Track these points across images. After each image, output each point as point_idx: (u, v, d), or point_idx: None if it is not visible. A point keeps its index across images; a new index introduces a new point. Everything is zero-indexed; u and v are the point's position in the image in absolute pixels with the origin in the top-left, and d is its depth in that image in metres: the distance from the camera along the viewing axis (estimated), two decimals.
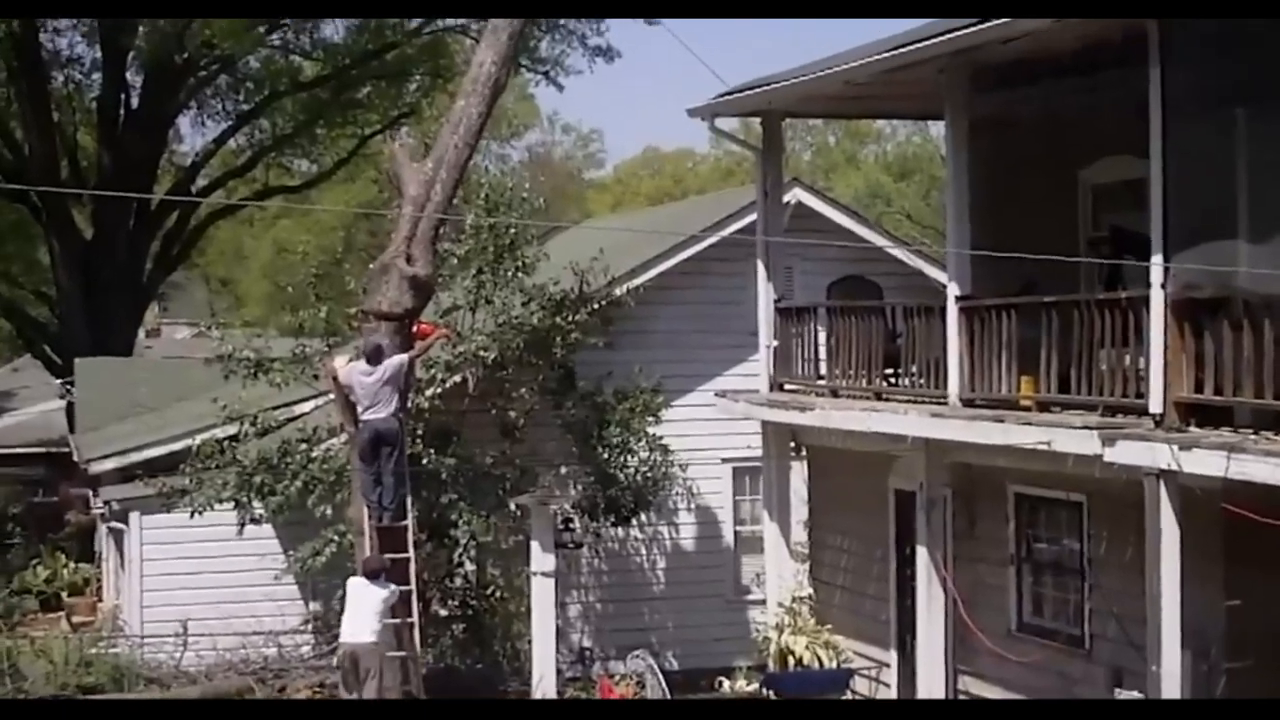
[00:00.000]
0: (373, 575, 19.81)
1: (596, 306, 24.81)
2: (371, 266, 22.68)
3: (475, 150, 22.24)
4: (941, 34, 16.60)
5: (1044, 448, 15.47)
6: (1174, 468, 13.65)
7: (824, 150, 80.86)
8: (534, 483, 23.37)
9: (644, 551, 27.11)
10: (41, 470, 38.93)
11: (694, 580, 27.12)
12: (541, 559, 21.86)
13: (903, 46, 17.39)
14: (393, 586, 19.72)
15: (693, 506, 26.87)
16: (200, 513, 23.89)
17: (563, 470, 24.84)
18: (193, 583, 25.24)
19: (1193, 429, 13.96)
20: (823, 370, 21.06)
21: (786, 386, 21.74)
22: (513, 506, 23.04)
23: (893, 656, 20.56)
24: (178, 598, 25.18)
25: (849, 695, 20.88)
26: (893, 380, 19.64)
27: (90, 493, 30.32)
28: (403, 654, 20.11)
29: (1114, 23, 14.59)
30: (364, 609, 19.54)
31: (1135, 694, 15.24)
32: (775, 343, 21.90)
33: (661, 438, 25.51)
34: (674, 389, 25.98)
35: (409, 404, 21.80)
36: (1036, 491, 17.77)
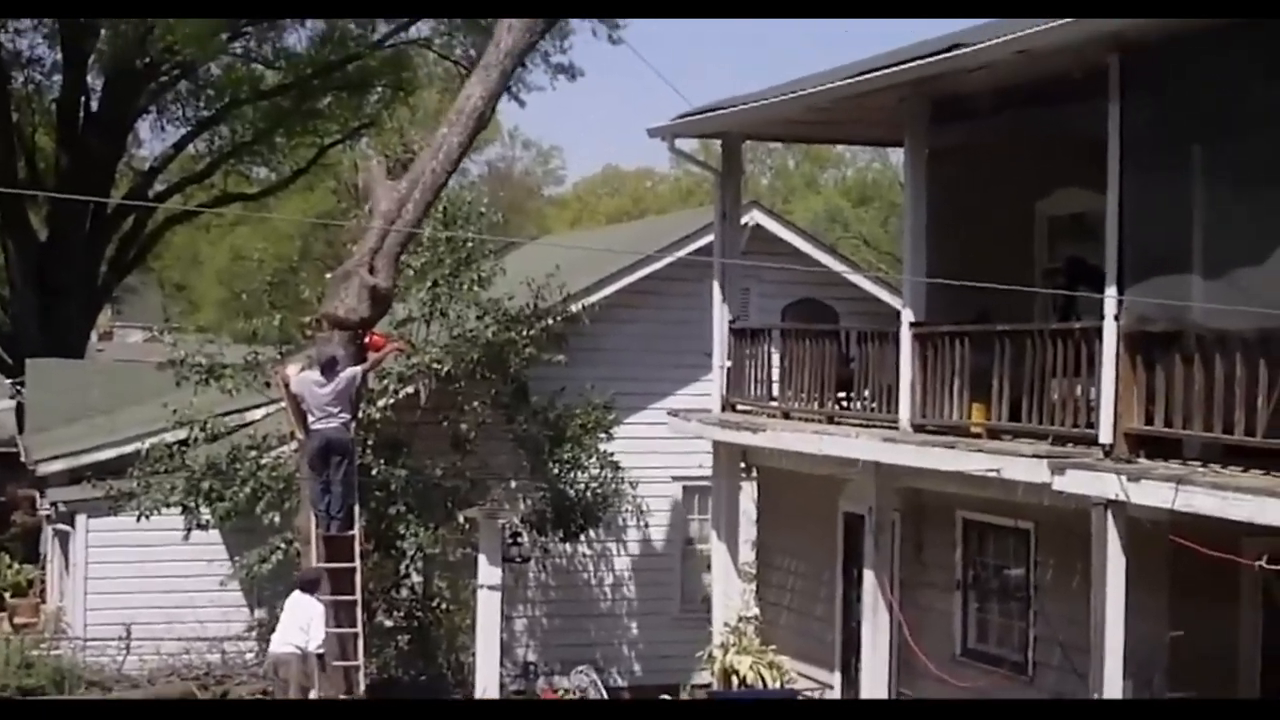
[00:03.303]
0: (305, 587, 20.06)
1: (551, 322, 24.82)
2: (329, 274, 22.65)
3: (451, 176, 22.33)
4: (903, 62, 16.69)
5: (993, 475, 15.53)
6: (1122, 498, 13.73)
7: (783, 173, 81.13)
8: (484, 496, 23.34)
9: (591, 567, 27.13)
10: None
11: (641, 597, 27.19)
12: (488, 572, 21.85)
13: (865, 74, 17.47)
14: (317, 600, 19.97)
15: (642, 524, 26.86)
16: (147, 516, 23.79)
17: (513, 484, 24.80)
18: (137, 586, 25.19)
19: (1142, 460, 14.03)
20: (775, 392, 21.10)
21: (739, 407, 21.77)
22: (461, 519, 23.00)
23: (837, 678, 20.61)
24: (122, 601, 25.12)
25: None
26: (845, 404, 19.69)
27: (37, 494, 30.16)
28: (346, 664, 20.14)
29: (1074, 56, 14.68)
30: (289, 620, 20.00)
31: None
32: (729, 363, 21.93)
33: (613, 454, 25.52)
34: (627, 406, 26.03)
35: (359, 414, 21.79)
36: (985, 518, 17.86)
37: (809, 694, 20.97)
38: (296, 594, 20.22)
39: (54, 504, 27.46)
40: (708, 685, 22.08)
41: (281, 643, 20.10)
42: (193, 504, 23.60)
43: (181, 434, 24.58)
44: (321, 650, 19.90)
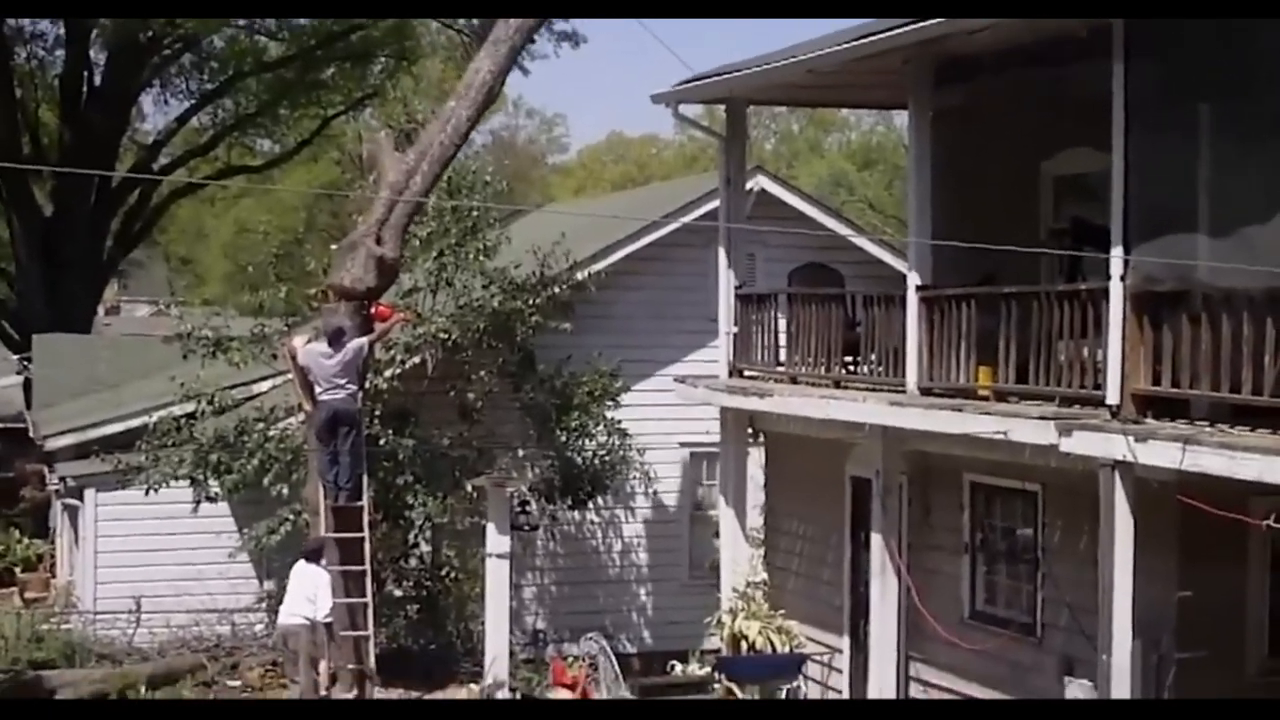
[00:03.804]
0: (310, 557, 20.17)
1: (557, 290, 24.81)
2: (335, 245, 22.63)
3: (459, 149, 22.30)
4: (906, 24, 16.62)
5: (1001, 437, 15.51)
6: (1129, 459, 13.72)
7: (788, 138, 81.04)
8: (491, 464, 23.34)
9: (600, 535, 27.15)
10: None
11: (650, 564, 27.23)
12: (497, 541, 21.84)
13: (868, 36, 17.40)
14: (323, 569, 20.12)
15: (650, 491, 26.89)
16: (156, 490, 23.84)
17: (520, 453, 24.81)
18: (147, 560, 25.26)
19: (1149, 421, 14.01)
20: (782, 357, 21.07)
21: (746, 373, 21.74)
22: (469, 488, 23.01)
23: (845, 642, 20.60)
24: (132, 574, 25.17)
25: (801, 681, 20.93)
26: (851, 368, 19.67)
27: (46, 469, 30.20)
28: (356, 634, 20.18)
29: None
30: (296, 591, 20.16)
31: (1085, 683, 15.30)
32: (735, 329, 21.90)
33: (620, 422, 25.52)
34: (634, 374, 26.03)
35: (366, 385, 21.79)
36: (992, 481, 17.82)
37: (818, 659, 20.98)
38: (301, 564, 20.35)
39: (63, 479, 27.50)
40: (717, 651, 22.09)
41: (289, 614, 20.21)
42: (201, 477, 23.65)
43: (189, 407, 24.60)
44: (330, 619, 19.98)
